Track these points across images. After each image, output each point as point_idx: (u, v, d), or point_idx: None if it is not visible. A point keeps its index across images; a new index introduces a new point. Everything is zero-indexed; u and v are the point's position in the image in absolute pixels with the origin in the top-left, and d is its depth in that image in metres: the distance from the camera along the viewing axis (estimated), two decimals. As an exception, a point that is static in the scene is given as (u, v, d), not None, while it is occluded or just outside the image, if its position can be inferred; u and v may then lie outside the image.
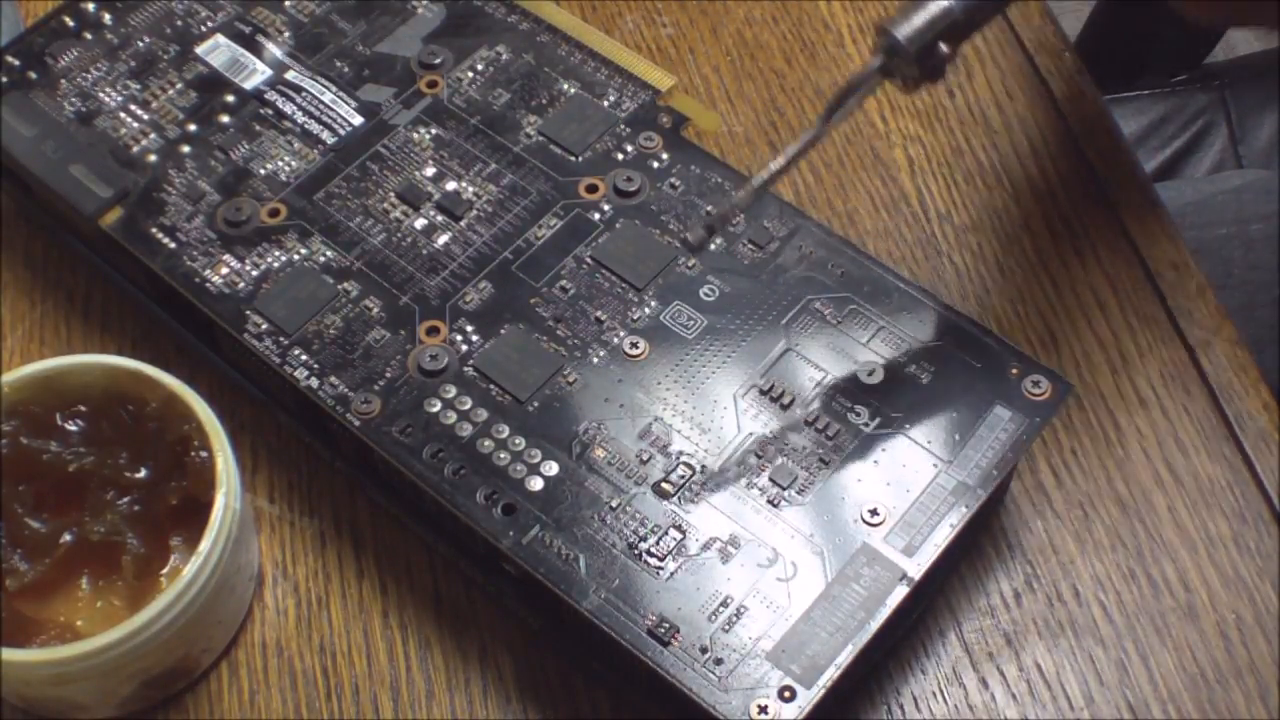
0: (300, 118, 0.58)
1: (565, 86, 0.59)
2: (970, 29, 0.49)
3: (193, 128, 0.58)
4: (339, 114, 0.58)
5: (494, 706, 0.51)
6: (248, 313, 0.53)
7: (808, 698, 0.45)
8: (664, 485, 0.49)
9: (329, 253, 0.55)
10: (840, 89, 0.49)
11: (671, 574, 0.48)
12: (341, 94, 0.59)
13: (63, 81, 0.59)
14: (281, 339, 0.53)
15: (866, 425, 0.50)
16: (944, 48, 0.48)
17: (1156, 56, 1.01)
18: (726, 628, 0.47)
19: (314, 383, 0.52)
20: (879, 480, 0.49)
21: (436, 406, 0.51)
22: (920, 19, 0.48)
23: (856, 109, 0.49)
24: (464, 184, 0.56)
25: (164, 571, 0.50)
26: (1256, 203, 0.81)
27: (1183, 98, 0.93)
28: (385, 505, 0.54)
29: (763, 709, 0.45)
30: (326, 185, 0.57)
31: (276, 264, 0.55)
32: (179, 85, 0.59)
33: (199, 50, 0.60)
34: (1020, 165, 0.63)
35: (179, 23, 0.61)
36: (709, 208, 0.55)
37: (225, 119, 0.58)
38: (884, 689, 0.51)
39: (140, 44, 0.61)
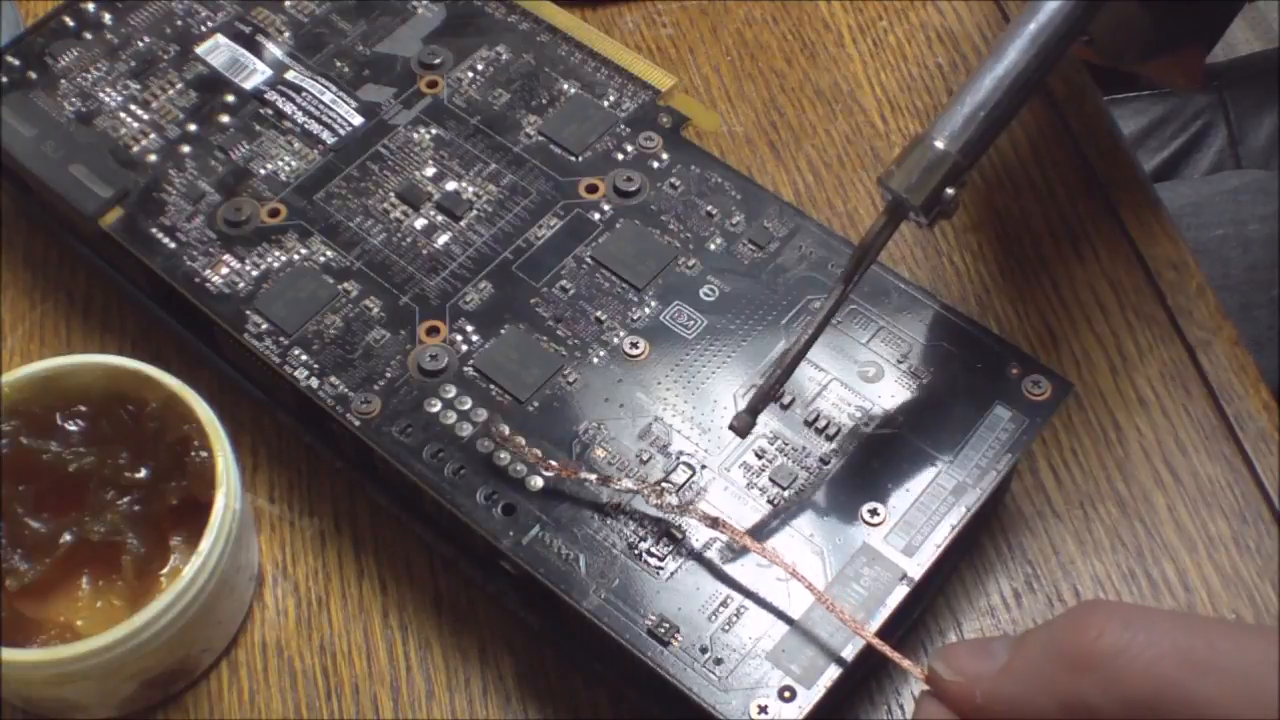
0: (300, 118, 0.58)
1: (565, 86, 0.59)
2: (974, 162, 0.48)
3: (193, 128, 0.58)
4: (339, 114, 0.58)
5: (494, 706, 0.51)
6: (248, 313, 0.53)
7: (808, 698, 0.45)
8: (664, 485, 0.49)
9: (329, 253, 0.55)
10: (855, 252, 0.48)
11: (671, 574, 0.48)
12: (341, 94, 0.59)
13: (63, 81, 0.59)
14: (281, 339, 0.53)
15: (866, 425, 0.50)
16: (950, 192, 0.47)
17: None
18: (726, 628, 0.47)
19: (314, 383, 0.52)
20: (879, 480, 0.49)
21: (436, 406, 0.51)
22: (920, 173, 0.47)
23: (873, 261, 0.49)
24: (464, 184, 0.57)
25: (164, 571, 0.51)
26: (1254, 203, 0.81)
27: (1182, 98, 0.93)
28: (385, 505, 0.54)
29: (763, 709, 0.45)
30: (326, 185, 0.57)
31: (276, 264, 0.55)
32: (179, 85, 0.59)
33: (199, 50, 0.60)
34: (1020, 165, 0.63)
35: (179, 23, 0.61)
36: (753, 387, 0.52)
37: (225, 119, 0.58)
38: (884, 689, 0.51)
39: (140, 44, 0.61)
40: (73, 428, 0.52)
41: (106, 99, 0.59)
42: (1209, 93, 0.93)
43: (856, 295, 0.53)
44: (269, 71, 0.60)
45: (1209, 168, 0.90)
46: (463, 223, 0.56)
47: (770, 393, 0.49)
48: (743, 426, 0.49)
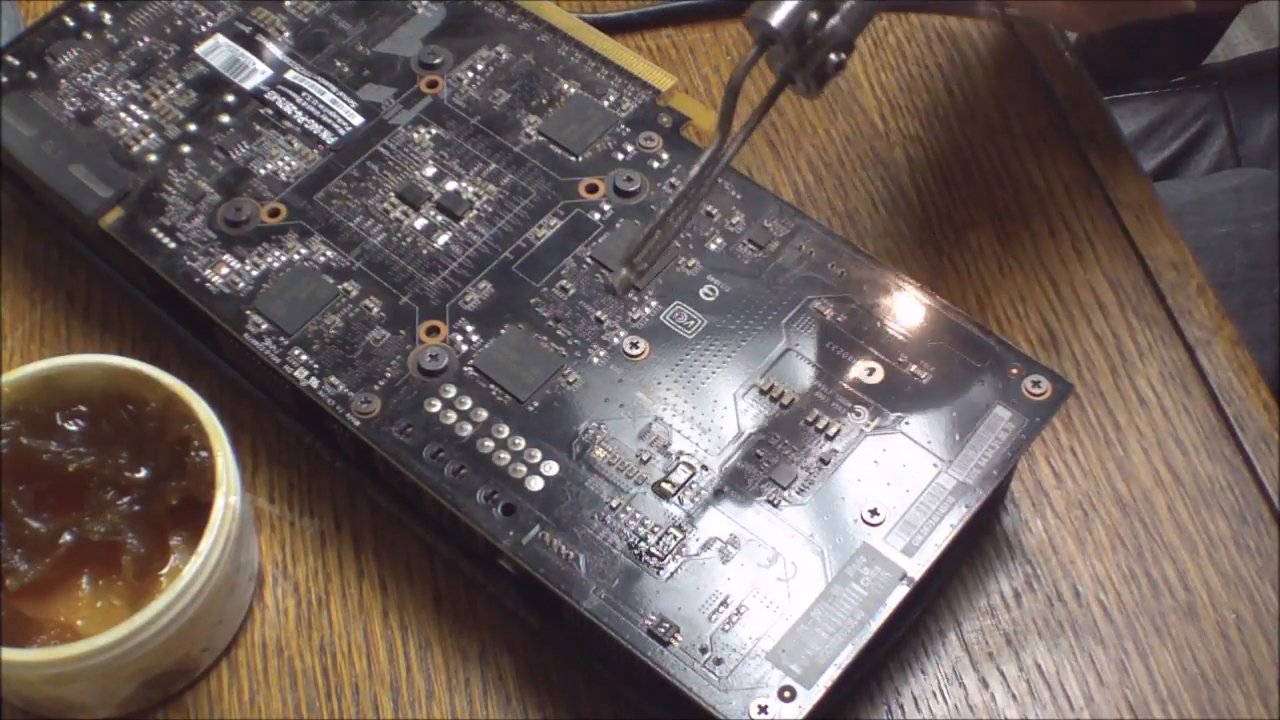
0: (300, 118, 0.58)
1: (565, 86, 0.59)
2: (861, 19, 0.46)
3: (193, 128, 0.58)
4: (339, 114, 0.58)
5: (494, 706, 0.51)
6: (248, 312, 0.53)
7: (808, 698, 0.45)
8: (664, 485, 0.49)
9: (329, 253, 0.55)
10: (725, 96, 0.46)
11: (671, 574, 0.48)
12: (341, 94, 0.59)
13: (63, 81, 0.59)
14: (282, 339, 0.53)
15: (866, 425, 0.50)
16: (814, 16, 0.45)
17: (1156, 57, 1.01)
18: (726, 628, 0.47)
19: (314, 383, 0.52)
20: (879, 480, 0.49)
21: (436, 406, 0.51)
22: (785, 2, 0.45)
23: (761, 119, 0.48)
24: (464, 184, 0.56)
25: (164, 571, 0.51)
26: (1256, 201, 0.81)
27: (1182, 98, 0.93)
28: (385, 505, 0.54)
29: (763, 709, 0.45)
30: (326, 185, 0.57)
31: (276, 264, 0.55)
32: (179, 85, 0.59)
33: (199, 50, 0.60)
34: (1020, 165, 0.63)
35: (179, 23, 0.61)
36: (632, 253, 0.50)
37: (225, 119, 0.58)
38: (884, 689, 0.51)
39: (140, 44, 0.61)
40: (73, 428, 0.52)
41: (106, 99, 0.59)
42: (1210, 92, 0.93)
43: (858, 295, 0.53)
44: (269, 71, 0.60)
45: (1209, 168, 0.90)
46: (463, 222, 0.56)
47: (644, 244, 0.47)
48: (620, 285, 0.48)
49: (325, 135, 0.58)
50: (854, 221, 0.61)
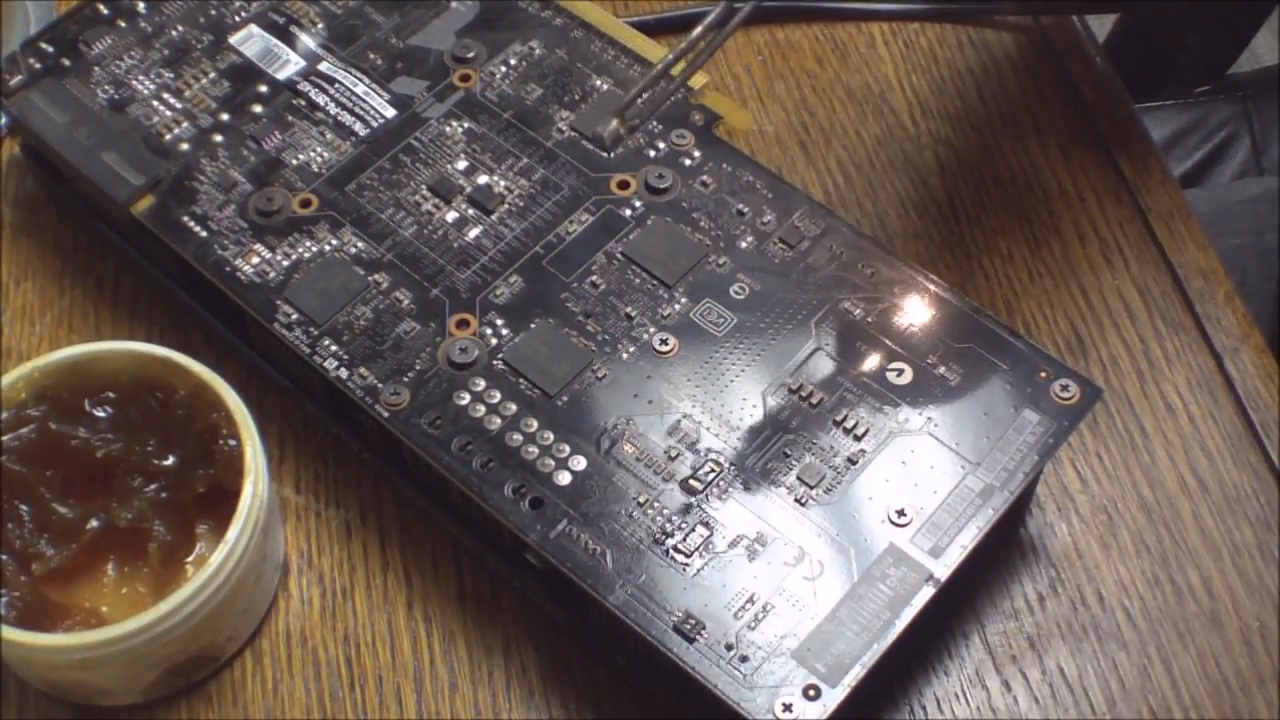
0: (333, 109, 0.59)
1: (598, 82, 0.59)
2: None
3: (225, 117, 0.58)
4: (371, 106, 0.59)
5: (517, 700, 0.51)
6: (278, 302, 0.54)
7: (833, 696, 0.45)
8: (691, 482, 0.49)
9: (360, 244, 0.55)
10: None
11: (698, 570, 0.48)
12: (374, 86, 0.59)
13: (96, 69, 0.60)
14: (311, 329, 0.53)
15: (895, 426, 0.50)
16: None
17: (1180, 67, 1.01)
18: (752, 625, 0.47)
19: (343, 373, 0.52)
20: (906, 481, 0.49)
21: (465, 399, 0.51)
22: None
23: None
24: (496, 178, 0.57)
25: (190, 559, 0.51)
26: (1272, 213, 0.81)
27: (1206, 108, 0.93)
28: (412, 497, 0.54)
29: (787, 707, 0.45)
30: (358, 177, 0.57)
31: (307, 254, 0.55)
32: (212, 74, 0.60)
33: (232, 40, 0.60)
34: (1050, 170, 0.62)
35: (213, 12, 0.61)
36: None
37: (258, 109, 0.59)
38: (907, 690, 0.51)
39: (174, 33, 0.61)
40: (101, 414, 0.52)
41: (140, 87, 0.59)
42: (1234, 103, 0.93)
43: (887, 296, 0.53)
44: (302, 62, 0.60)
45: (1232, 178, 0.90)
46: (494, 216, 0.56)
47: (638, 98, 0.48)
48: (610, 137, 0.49)
49: (357, 127, 0.58)
50: (884, 223, 0.61)
